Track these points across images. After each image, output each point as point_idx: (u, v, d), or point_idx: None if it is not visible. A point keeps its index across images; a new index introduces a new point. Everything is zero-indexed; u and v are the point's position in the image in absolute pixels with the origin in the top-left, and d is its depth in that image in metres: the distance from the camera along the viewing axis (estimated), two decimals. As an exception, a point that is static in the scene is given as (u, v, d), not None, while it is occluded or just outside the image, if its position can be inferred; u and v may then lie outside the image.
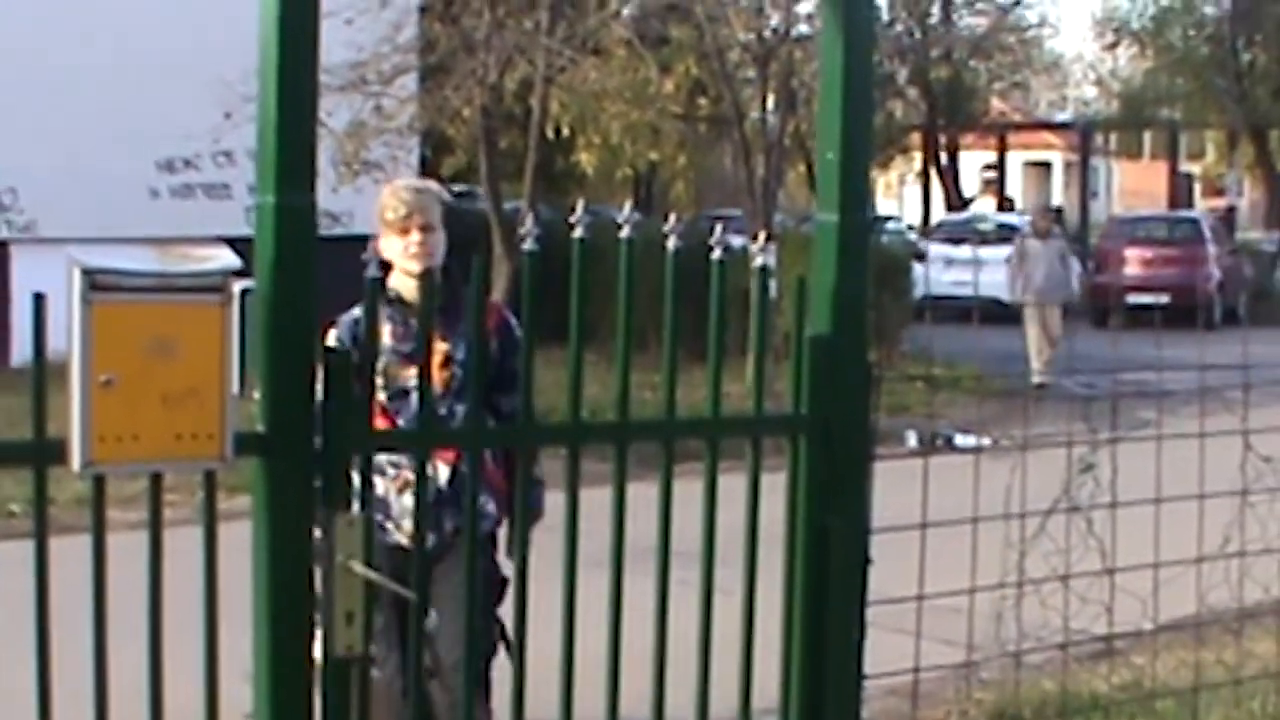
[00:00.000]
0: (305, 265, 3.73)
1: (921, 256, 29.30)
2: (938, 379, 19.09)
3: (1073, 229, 39.50)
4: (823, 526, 4.34)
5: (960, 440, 12.96)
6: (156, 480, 3.70)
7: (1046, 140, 59.37)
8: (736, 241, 23.25)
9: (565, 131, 20.35)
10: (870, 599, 4.40)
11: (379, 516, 5.36)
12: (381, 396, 5.46)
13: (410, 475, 4.76)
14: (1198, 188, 66.52)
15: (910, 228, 38.46)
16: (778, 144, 19.60)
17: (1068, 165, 61.34)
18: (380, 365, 5.36)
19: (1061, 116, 52.26)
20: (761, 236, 4.44)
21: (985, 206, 45.29)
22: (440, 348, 5.52)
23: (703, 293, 4.24)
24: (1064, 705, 5.53)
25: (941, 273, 27.92)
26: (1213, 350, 5.75)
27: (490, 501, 5.71)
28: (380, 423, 5.13)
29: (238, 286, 3.66)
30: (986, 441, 13.19)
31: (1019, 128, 49.65)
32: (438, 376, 5.25)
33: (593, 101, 19.10)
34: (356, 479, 4.02)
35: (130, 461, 3.60)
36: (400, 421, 5.59)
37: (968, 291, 25.56)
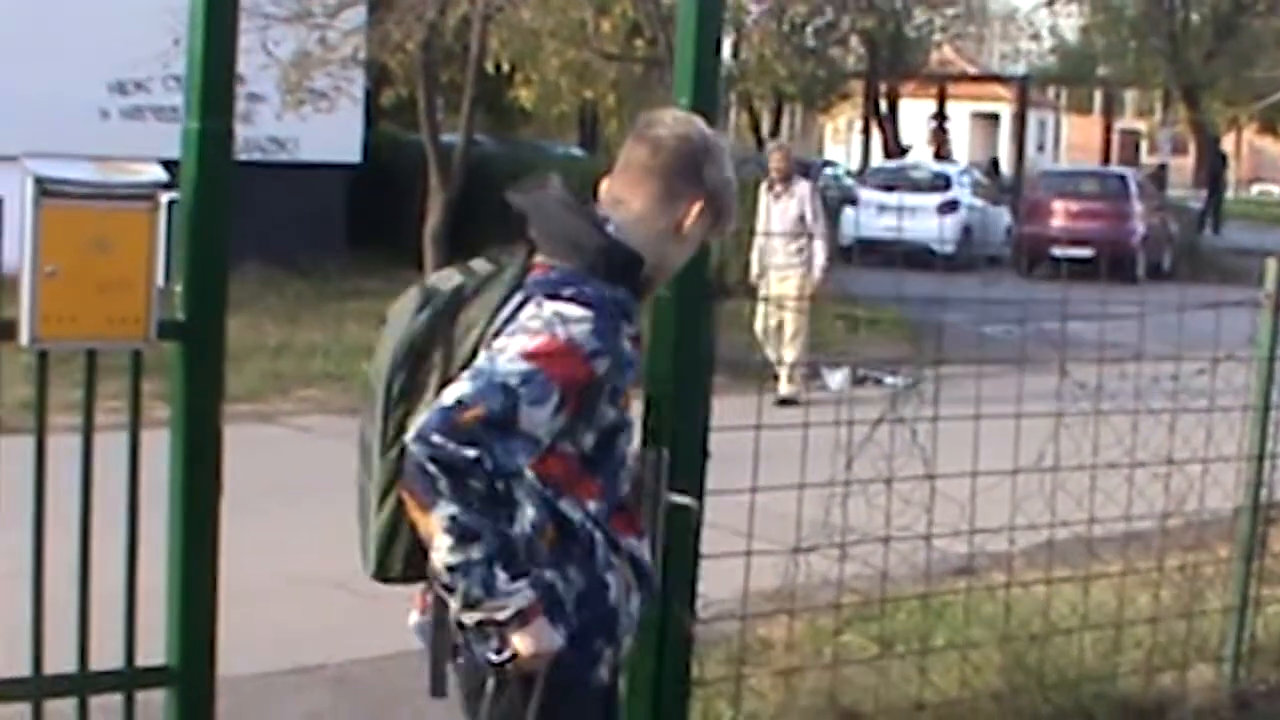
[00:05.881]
0: (222, 181, 4.42)
1: (853, 201, 30.05)
2: (859, 319, 19.91)
3: (1008, 181, 40.45)
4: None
5: (889, 380, 13.72)
6: (91, 356, 4.38)
7: (995, 92, 59.91)
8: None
9: (505, 68, 20.98)
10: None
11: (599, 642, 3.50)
12: (588, 440, 3.49)
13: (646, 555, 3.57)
14: (1144, 145, 67.34)
15: (848, 173, 39.17)
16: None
17: (1015, 118, 62.04)
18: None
19: (1012, 70, 52.87)
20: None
21: (924, 155, 46.03)
22: None
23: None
24: (886, 595, 6.26)
25: (874, 218, 28.70)
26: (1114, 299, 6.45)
27: None
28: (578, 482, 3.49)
29: (165, 197, 4.34)
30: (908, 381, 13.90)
31: (959, 79, 50.30)
32: None
33: (531, 39, 19.74)
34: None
35: (69, 339, 4.30)
36: (624, 485, 3.59)
37: (896, 236, 26.36)
